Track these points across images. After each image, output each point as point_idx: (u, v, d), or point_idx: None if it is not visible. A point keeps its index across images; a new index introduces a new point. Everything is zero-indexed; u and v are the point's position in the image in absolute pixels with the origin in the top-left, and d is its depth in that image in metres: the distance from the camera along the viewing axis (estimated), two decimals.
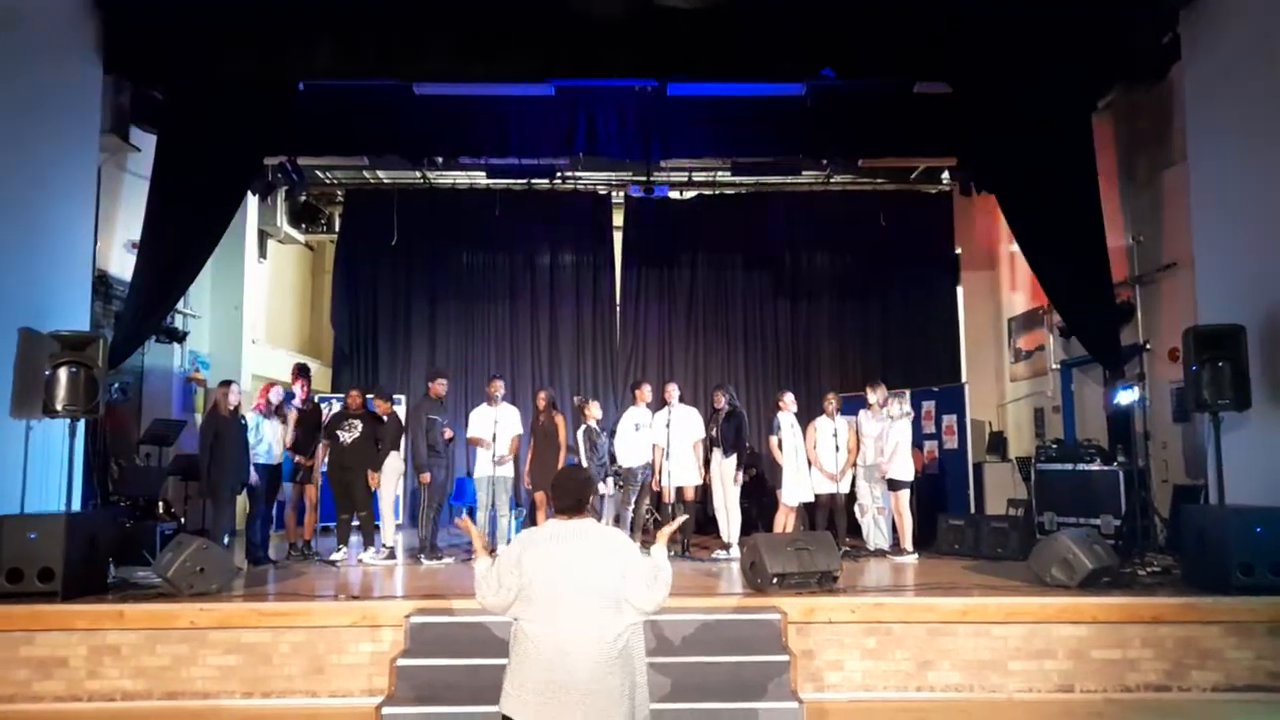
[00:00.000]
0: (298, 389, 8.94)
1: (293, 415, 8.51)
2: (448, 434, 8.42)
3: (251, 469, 7.88)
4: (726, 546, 8.38)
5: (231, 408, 7.76)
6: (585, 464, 8.48)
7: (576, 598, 3.14)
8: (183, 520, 9.06)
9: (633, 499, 8.54)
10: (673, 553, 8.03)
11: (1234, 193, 7.27)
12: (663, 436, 8.41)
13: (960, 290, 12.67)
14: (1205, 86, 7.65)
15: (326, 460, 8.48)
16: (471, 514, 9.09)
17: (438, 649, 5.59)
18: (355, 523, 8.43)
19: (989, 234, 12.29)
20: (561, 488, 3.40)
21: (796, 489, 8.43)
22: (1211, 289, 7.43)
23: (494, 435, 8.35)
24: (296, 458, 8.40)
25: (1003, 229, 11.03)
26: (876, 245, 12.52)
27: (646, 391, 8.83)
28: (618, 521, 8.57)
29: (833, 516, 8.58)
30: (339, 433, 8.35)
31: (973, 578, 7.02)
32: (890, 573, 7.59)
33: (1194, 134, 7.76)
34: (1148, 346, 8.86)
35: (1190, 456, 8.45)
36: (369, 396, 8.77)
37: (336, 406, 9.20)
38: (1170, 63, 8.32)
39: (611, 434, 9.08)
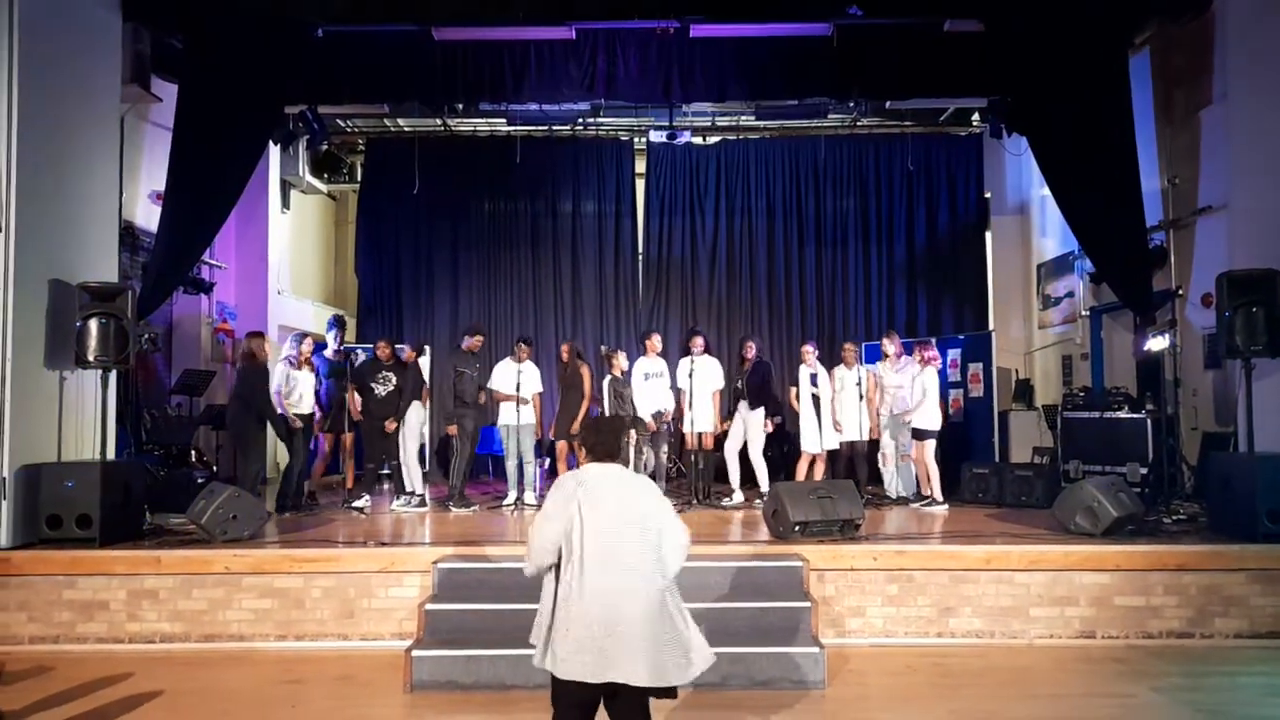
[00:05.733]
0: (331, 340, 9.00)
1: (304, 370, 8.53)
2: (483, 398, 8.48)
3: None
4: (762, 497, 8.43)
5: (265, 357, 7.88)
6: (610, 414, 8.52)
7: (632, 550, 3.16)
8: (214, 468, 9.24)
9: (645, 447, 8.61)
10: (693, 501, 8.21)
11: (1274, 133, 7.05)
12: (685, 385, 8.46)
13: (989, 235, 12.43)
14: (1248, 21, 7.37)
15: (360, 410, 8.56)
16: (499, 462, 9.23)
17: (465, 594, 5.70)
18: (385, 471, 8.53)
19: (1019, 177, 12.03)
20: (605, 432, 3.41)
21: (811, 437, 8.49)
22: (1247, 233, 7.25)
23: (518, 385, 8.40)
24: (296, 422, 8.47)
25: (1033, 172, 10.76)
26: (904, 190, 12.29)
27: (656, 341, 8.88)
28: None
29: (854, 464, 8.60)
30: (373, 385, 8.41)
31: (996, 525, 7.03)
32: (913, 521, 7.60)
33: (1235, 71, 7.50)
34: (1180, 292, 8.69)
35: (1220, 404, 8.34)
36: (399, 346, 8.81)
37: (362, 356, 9.26)
38: None
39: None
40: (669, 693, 3.21)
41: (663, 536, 3.24)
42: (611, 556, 3.14)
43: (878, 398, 8.74)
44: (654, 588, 3.18)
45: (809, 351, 8.67)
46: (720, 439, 8.82)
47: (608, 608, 3.10)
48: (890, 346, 8.79)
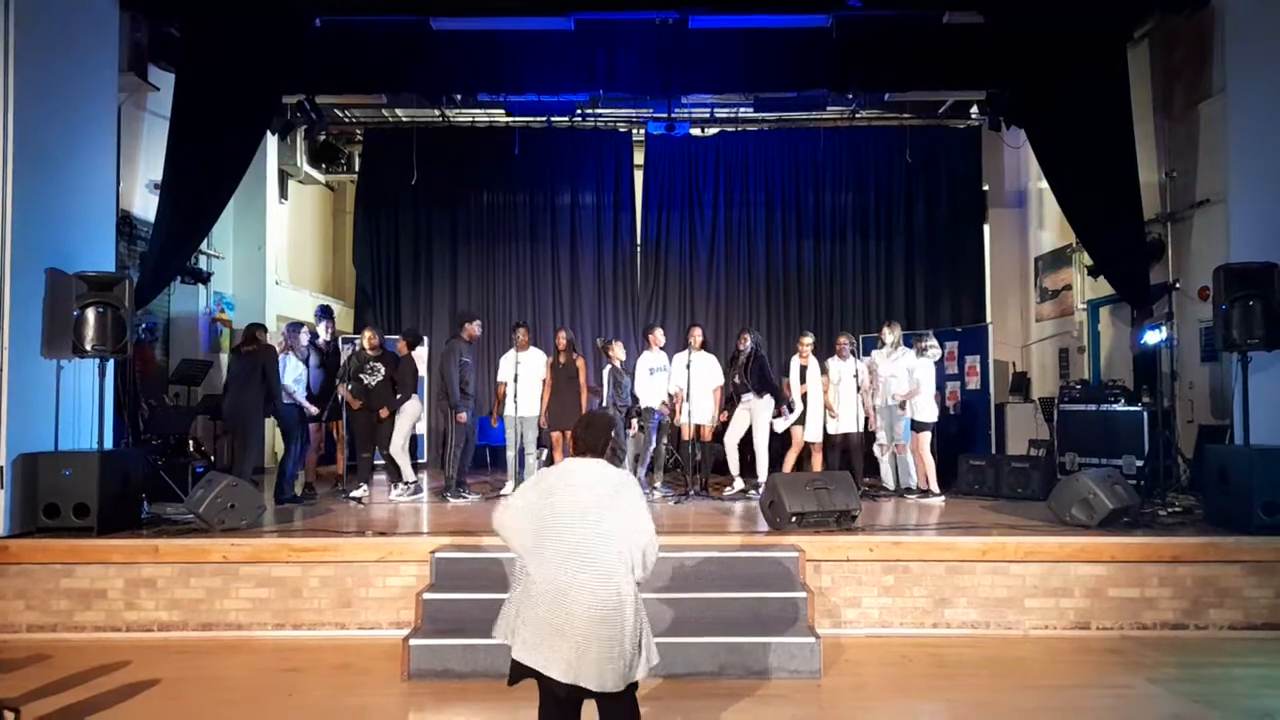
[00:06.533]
0: (322, 330, 9.00)
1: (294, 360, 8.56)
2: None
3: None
4: (757, 487, 8.44)
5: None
6: (608, 404, 8.56)
7: (584, 541, 3.16)
8: (212, 458, 9.25)
9: (652, 439, 8.63)
10: (690, 493, 8.24)
11: (1273, 126, 7.06)
12: (683, 378, 8.48)
13: (987, 228, 12.44)
14: (1248, 14, 7.37)
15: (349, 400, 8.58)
16: (496, 452, 9.26)
17: (462, 583, 5.71)
18: (378, 461, 8.56)
19: (1017, 170, 12.03)
20: (595, 428, 3.42)
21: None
22: (1245, 226, 7.26)
23: (515, 375, 8.42)
24: (312, 409, 8.48)
25: (1032, 165, 10.79)
26: (902, 182, 12.30)
27: (659, 335, 8.91)
28: (637, 461, 8.66)
29: (850, 456, 8.62)
30: (363, 376, 8.42)
31: (992, 517, 7.05)
32: (909, 512, 7.62)
33: (1234, 64, 7.49)
34: (1177, 285, 8.69)
35: (1217, 397, 8.37)
36: (390, 337, 8.82)
37: (350, 349, 9.29)
38: None
39: (633, 376, 9.14)
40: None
41: (629, 535, 3.21)
42: (564, 547, 3.15)
43: (871, 387, 8.75)
44: (609, 584, 3.15)
45: (805, 344, 8.69)
46: (719, 431, 8.84)
47: (558, 596, 3.11)
48: (889, 335, 8.80)
